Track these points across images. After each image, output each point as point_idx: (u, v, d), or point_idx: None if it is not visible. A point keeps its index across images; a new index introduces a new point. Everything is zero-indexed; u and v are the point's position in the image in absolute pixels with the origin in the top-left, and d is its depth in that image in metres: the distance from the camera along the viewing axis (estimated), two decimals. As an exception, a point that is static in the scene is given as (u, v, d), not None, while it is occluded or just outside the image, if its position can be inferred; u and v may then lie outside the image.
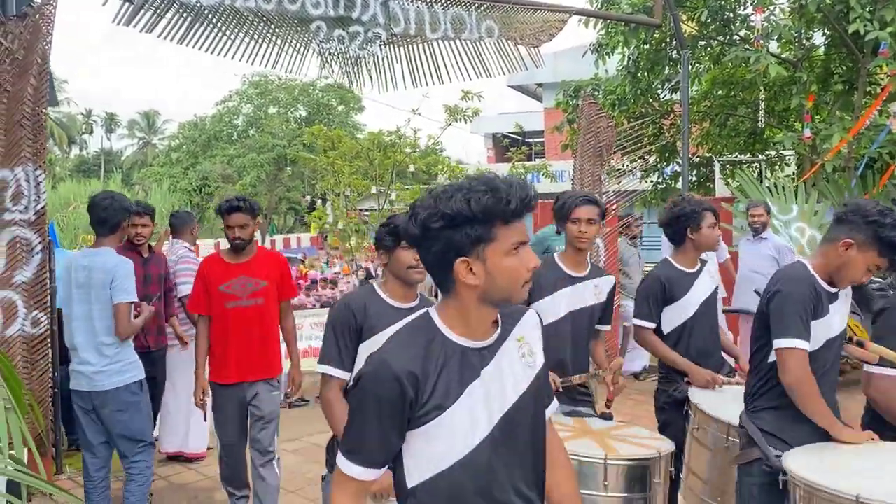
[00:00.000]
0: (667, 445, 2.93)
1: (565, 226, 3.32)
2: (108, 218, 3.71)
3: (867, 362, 2.80)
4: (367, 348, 2.67)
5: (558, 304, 3.28)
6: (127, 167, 51.17)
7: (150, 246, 5.01)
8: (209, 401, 4.09)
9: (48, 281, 4.85)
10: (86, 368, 3.66)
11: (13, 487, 3.83)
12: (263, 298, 3.95)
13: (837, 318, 2.57)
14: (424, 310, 1.70)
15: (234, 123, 37.96)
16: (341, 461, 1.60)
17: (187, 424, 5.32)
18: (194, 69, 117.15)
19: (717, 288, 3.68)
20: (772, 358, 2.54)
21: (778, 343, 2.47)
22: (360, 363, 2.69)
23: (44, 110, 4.81)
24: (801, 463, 2.28)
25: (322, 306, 9.85)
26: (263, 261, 4.06)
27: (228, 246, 4.05)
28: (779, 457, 2.39)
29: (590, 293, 3.37)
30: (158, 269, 4.92)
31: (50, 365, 4.89)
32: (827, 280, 2.55)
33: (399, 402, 1.52)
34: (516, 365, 1.66)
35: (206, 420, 5.06)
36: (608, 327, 3.59)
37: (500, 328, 1.67)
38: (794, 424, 2.48)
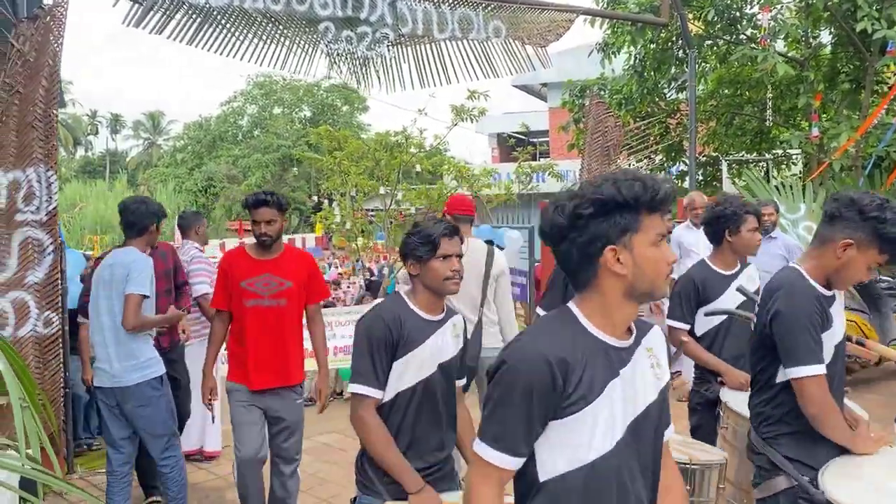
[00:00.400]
0: (719, 452, 2.92)
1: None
2: (136, 221, 3.90)
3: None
4: (404, 365, 2.50)
5: None
6: (132, 168, 51.34)
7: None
8: (217, 403, 4.03)
9: (60, 281, 4.86)
10: (108, 366, 3.73)
11: (28, 486, 3.86)
12: (287, 300, 3.71)
13: (839, 320, 2.44)
14: (564, 305, 1.66)
15: (239, 124, 38.08)
16: (483, 450, 1.56)
17: (204, 422, 5.31)
18: (199, 70, 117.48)
19: (756, 290, 3.43)
20: (780, 378, 2.41)
21: (794, 372, 2.32)
22: (394, 381, 2.52)
23: (55, 112, 4.83)
24: (845, 490, 2.13)
25: (325, 306, 9.87)
26: (291, 260, 3.82)
27: (254, 241, 3.80)
28: (812, 483, 2.25)
29: None
30: (164, 265, 4.68)
31: (62, 365, 4.91)
32: (824, 284, 2.39)
33: (549, 388, 1.49)
34: (647, 374, 1.64)
35: (213, 421, 5.09)
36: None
37: (634, 334, 1.66)
38: (815, 446, 2.35)
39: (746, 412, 2.83)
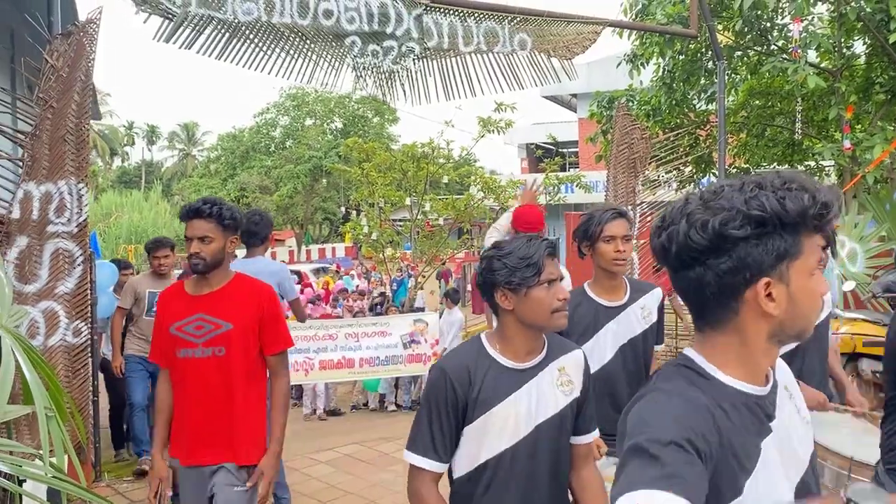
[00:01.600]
0: None
1: (594, 247, 2.88)
2: (258, 231, 4.41)
3: None
4: (479, 430, 2.00)
5: (603, 345, 2.87)
6: (167, 178, 52.25)
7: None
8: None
9: (89, 292, 4.97)
10: None
11: (53, 494, 3.93)
12: (226, 348, 2.87)
13: None
14: (681, 354, 1.32)
15: (272, 135, 38.55)
16: None
17: None
18: (235, 81, 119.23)
19: (829, 313, 3.27)
20: None
21: None
22: (471, 449, 2.02)
23: (86, 125, 4.94)
24: None
25: (353, 315, 9.94)
26: (235, 294, 2.95)
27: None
28: None
29: (637, 319, 2.93)
30: None
31: (90, 374, 5.00)
32: None
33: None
34: (794, 418, 1.33)
35: None
36: (662, 345, 3.16)
37: (772, 373, 1.32)
38: None
39: (837, 449, 2.64)
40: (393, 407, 8.79)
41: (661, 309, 3.05)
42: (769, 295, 1.19)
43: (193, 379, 2.89)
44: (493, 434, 1.99)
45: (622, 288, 2.97)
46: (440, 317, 8.79)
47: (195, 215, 2.91)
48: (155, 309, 4.39)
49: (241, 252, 5.10)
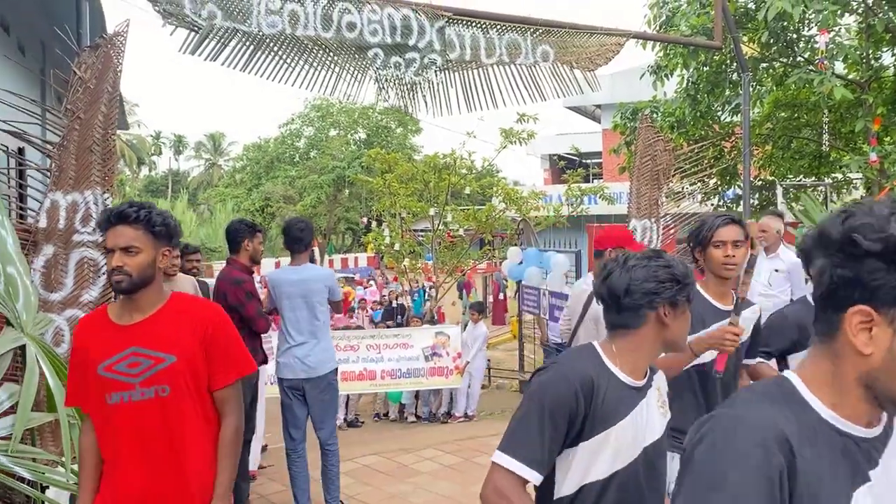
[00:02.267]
0: None
1: (705, 252, 2.97)
2: (303, 237, 4.76)
3: None
4: (595, 449, 1.87)
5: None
6: (193, 187, 52.87)
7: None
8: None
9: (113, 300, 5.02)
10: (305, 360, 4.60)
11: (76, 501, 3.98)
12: (171, 387, 2.34)
13: None
14: (780, 374, 1.21)
15: (296, 145, 38.90)
16: None
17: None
18: (260, 91, 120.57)
19: None
20: None
21: None
22: (579, 469, 1.88)
23: (113, 136, 5.01)
24: None
25: (373, 323, 9.98)
26: (174, 318, 2.40)
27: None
28: None
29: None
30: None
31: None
32: None
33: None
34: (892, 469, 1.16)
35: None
36: (754, 360, 3.15)
37: (884, 416, 1.16)
38: None
39: None
40: (412, 418, 8.78)
41: (758, 325, 3.06)
42: (870, 331, 1.06)
43: (131, 428, 2.32)
44: (605, 454, 1.86)
45: (730, 296, 2.98)
46: (463, 329, 8.77)
47: (119, 220, 2.34)
48: None
49: (285, 259, 5.49)
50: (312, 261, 5.69)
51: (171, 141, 59.72)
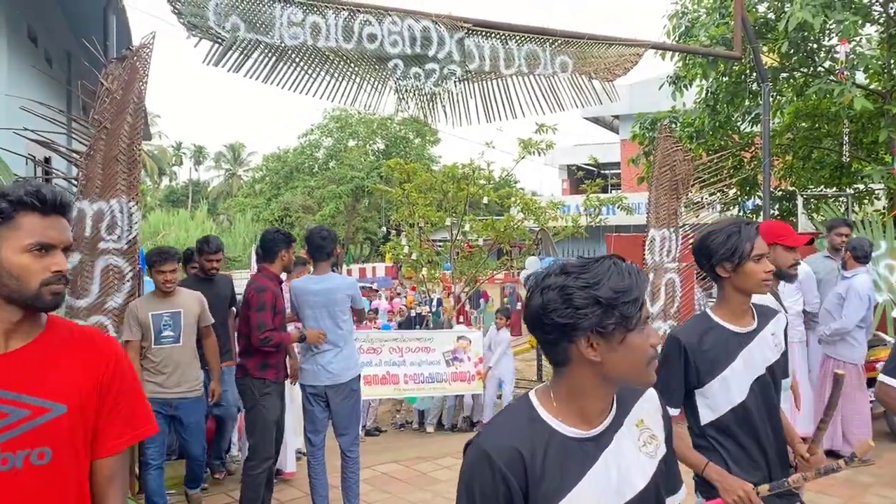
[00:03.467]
0: None
1: (740, 268, 2.46)
2: (324, 245, 4.79)
3: None
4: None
5: (739, 378, 2.46)
6: (213, 198, 53.34)
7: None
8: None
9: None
10: (328, 367, 4.66)
11: None
12: (52, 450, 1.58)
13: None
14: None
15: (315, 156, 39.14)
16: None
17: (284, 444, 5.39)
18: (280, 102, 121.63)
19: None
20: None
21: None
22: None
23: (138, 145, 5.10)
24: None
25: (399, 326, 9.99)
26: (57, 351, 1.64)
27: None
28: None
29: (769, 346, 2.54)
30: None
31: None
32: None
33: None
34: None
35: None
36: (789, 379, 2.82)
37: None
38: None
39: None
40: (431, 428, 8.75)
41: (786, 334, 2.68)
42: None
43: None
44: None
45: (750, 312, 2.57)
46: (484, 335, 8.74)
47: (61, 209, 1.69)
48: (165, 333, 4.79)
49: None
50: (335, 269, 5.74)
51: (192, 151, 60.37)
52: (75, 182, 4.95)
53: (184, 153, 60.24)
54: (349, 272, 31.21)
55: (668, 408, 1.80)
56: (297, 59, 6.01)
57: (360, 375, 4.87)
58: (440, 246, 13.27)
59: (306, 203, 35.67)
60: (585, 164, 24.33)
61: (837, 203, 11.07)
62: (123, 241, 5.00)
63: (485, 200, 11.56)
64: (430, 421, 8.81)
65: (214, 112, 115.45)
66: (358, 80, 6.21)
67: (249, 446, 4.67)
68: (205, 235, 5.86)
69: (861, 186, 10.44)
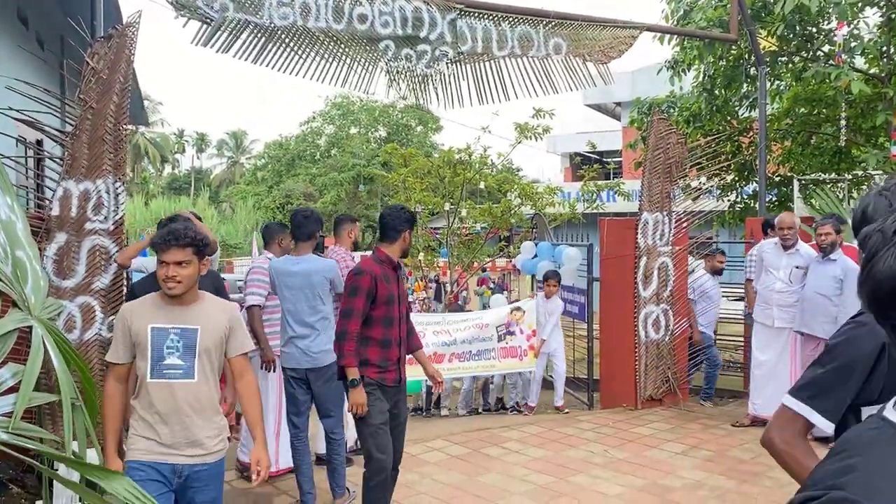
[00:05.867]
0: None
1: None
2: (304, 225, 4.64)
3: None
4: None
5: None
6: (215, 185, 53.30)
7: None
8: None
9: (124, 287, 5.09)
10: (307, 350, 4.54)
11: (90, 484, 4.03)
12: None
13: None
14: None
15: (317, 143, 39.08)
16: None
17: (276, 440, 5.22)
18: (282, 89, 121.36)
19: None
20: None
21: None
22: None
23: (124, 126, 5.08)
24: None
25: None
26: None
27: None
28: None
29: None
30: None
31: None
32: None
33: None
34: None
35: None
36: None
37: None
38: None
39: None
40: (445, 411, 8.25)
41: None
42: None
43: None
44: None
45: None
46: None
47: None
48: (168, 361, 2.93)
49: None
50: (320, 252, 5.68)
51: (194, 139, 60.30)
52: (61, 162, 4.93)
53: (186, 141, 60.15)
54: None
55: (811, 418, 1.78)
56: (287, 40, 5.98)
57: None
58: (439, 233, 13.24)
59: (308, 190, 35.65)
60: (586, 152, 24.24)
61: (835, 188, 11.01)
62: (110, 221, 4.99)
63: (482, 185, 11.52)
64: (445, 404, 7.96)
65: (217, 99, 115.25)
66: (348, 61, 6.18)
67: (363, 454, 4.05)
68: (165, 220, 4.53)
69: (859, 172, 10.36)
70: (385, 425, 3.92)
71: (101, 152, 4.95)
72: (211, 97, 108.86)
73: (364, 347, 3.87)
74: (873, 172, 9.68)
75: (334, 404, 4.69)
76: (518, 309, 7.42)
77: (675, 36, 9.67)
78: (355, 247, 4.95)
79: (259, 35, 5.84)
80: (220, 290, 4.53)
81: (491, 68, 6.75)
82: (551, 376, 7.56)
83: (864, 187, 10.60)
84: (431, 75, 6.52)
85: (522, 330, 7.29)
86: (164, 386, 2.91)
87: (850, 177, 10.42)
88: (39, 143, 6.56)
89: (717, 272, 7.75)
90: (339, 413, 4.74)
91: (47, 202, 4.87)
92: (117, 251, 5.01)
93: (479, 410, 7.90)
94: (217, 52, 5.76)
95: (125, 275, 5.13)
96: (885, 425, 0.98)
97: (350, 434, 5.45)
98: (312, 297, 4.56)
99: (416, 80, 6.48)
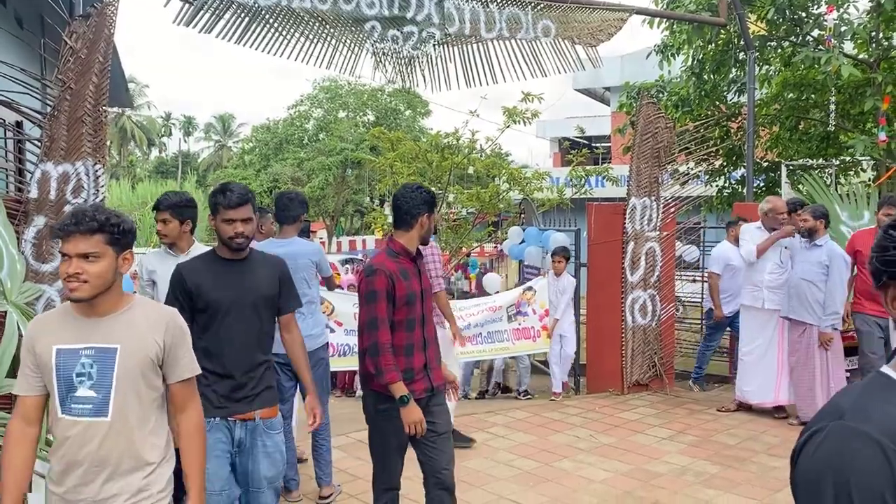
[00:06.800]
0: None
1: None
2: (289, 207, 4.51)
3: None
4: None
5: None
6: (202, 169, 52.92)
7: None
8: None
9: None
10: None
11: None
12: None
13: None
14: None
15: (305, 127, 38.77)
16: None
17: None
18: (269, 72, 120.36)
19: None
20: None
21: None
22: None
23: (104, 107, 4.98)
24: None
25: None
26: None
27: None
28: None
29: None
30: None
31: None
32: None
33: None
34: None
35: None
36: None
37: None
38: None
39: None
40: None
41: None
42: None
43: None
44: None
45: None
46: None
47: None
48: (79, 392, 2.20)
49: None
50: (306, 236, 5.62)
51: (181, 122, 59.80)
52: (38, 143, 4.83)
53: (173, 124, 59.65)
54: (339, 245, 31.13)
55: None
56: (271, 20, 5.88)
57: (327, 344, 4.74)
58: (427, 217, 13.16)
59: (296, 175, 35.41)
60: (575, 137, 24.20)
61: (822, 174, 11.02)
62: (90, 204, 4.90)
63: (470, 170, 11.46)
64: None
65: (204, 83, 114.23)
66: (334, 42, 6.09)
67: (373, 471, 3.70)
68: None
69: (847, 158, 10.37)
70: (401, 449, 3.40)
71: (81, 134, 4.85)
72: (198, 80, 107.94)
73: None
74: (860, 158, 9.69)
75: (320, 390, 4.63)
76: (529, 289, 7.28)
77: (665, 20, 9.61)
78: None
79: (242, 15, 5.73)
80: (285, 281, 3.38)
81: (479, 50, 6.67)
82: (539, 362, 7.49)
83: (851, 173, 10.64)
84: (418, 57, 6.43)
85: (535, 310, 7.13)
86: (75, 425, 2.20)
87: (838, 162, 10.43)
88: (19, 125, 6.44)
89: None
90: (325, 398, 4.70)
91: (26, 185, 4.78)
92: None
93: (471, 396, 7.84)
94: (200, 32, 5.66)
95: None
96: (878, 375, 1.18)
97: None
98: (298, 282, 4.34)
99: (403, 62, 6.39)
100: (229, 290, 3.08)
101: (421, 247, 3.50)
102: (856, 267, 5.94)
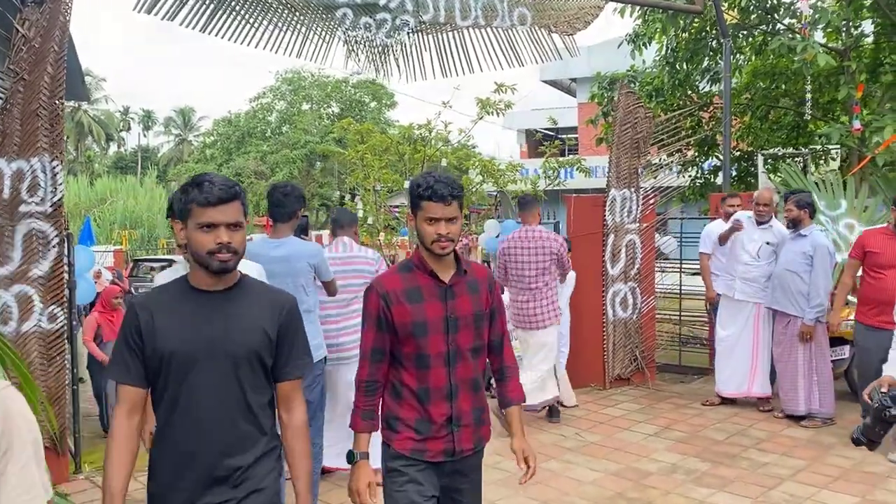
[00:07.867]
0: None
1: None
2: (284, 203, 4.03)
3: None
4: None
5: None
6: (163, 164, 51.86)
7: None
8: None
9: (65, 275, 4.72)
10: None
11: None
12: None
13: None
14: None
15: (268, 120, 38.19)
16: None
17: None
18: (229, 64, 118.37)
19: None
20: None
21: None
22: None
23: (61, 100, 4.67)
24: None
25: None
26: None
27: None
28: None
29: None
30: None
31: (67, 361, 4.77)
32: None
33: None
34: None
35: None
36: None
37: None
38: None
39: None
40: None
41: None
42: None
43: None
44: None
45: None
46: None
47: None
48: None
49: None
50: (301, 234, 5.19)
51: (140, 116, 58.47)
52: (-10, 139, 4.51)
53: (132, 118, 58.32)
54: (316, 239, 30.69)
55: None
56: (238, 8, 5.59)
57: (325, 359, 4.22)
58: (398, 211, 12.95)
59: (259, 168, 34.85)
60: (545, 129, 24.13)
61: (795, 162, 11.05)
62: (47, 203, 4.60)
63: (443, 163, 11.25)
64: None
65: (163, 76, 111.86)
66: (304, 30, 5.83)
67: None
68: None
69: (818, 147, 10.40)
70: None
71: (36, 128, 4.54)
72: (157, 73, 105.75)
73: (395, 401, 2.52)
74: (831, 147, 9.72)
75: (315, 411, 4.24)
76: None
77: (637, 9, 9.50)
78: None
79: (208, 2, 5.45)
80: (290, 329, 2.69)
81: (454, 39, 6.46)
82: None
83: (822, 161, 10.67)
84: (392, 45, 6.21)
85: None
86: None
87: (808, 151, 10.46)
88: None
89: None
90: (319, 420, 4.22)
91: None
92: (56, 235, 4.63)
93: None
94: (162, 19, 5.35)
95: (68, 261, 4.76)
96: None
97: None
98: (295, 288, 3.82)
99: (376, 51, 6.17)
100: (198, 335, 2.06)
101: (468, 261, 2.66)
102: (862, 269, 5.44)
